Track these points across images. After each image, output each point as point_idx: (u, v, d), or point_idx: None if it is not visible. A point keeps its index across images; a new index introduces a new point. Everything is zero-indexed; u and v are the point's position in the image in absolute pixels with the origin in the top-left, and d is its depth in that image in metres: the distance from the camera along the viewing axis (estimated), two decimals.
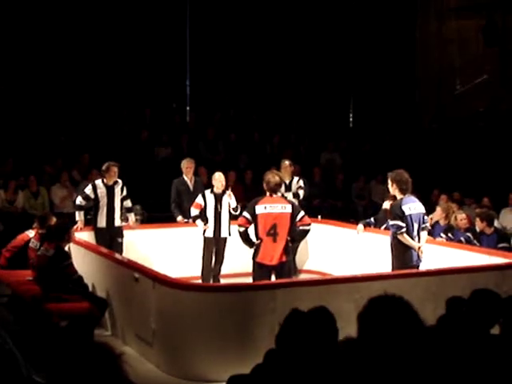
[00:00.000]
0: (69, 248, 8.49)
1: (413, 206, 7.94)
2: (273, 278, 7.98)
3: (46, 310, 7.67)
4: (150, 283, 7.17)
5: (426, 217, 8.22)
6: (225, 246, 9.99)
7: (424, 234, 8.08)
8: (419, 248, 7.91)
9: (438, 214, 10.55)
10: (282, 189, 9.42)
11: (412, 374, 2.96)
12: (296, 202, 9.56)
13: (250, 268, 8.23)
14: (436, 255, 8.63)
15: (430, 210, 9.80)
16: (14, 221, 11.78)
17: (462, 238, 9.77)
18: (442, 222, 10.46)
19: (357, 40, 17.93)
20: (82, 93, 15.58)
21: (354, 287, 6.95)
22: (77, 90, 15.56)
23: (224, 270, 10.09)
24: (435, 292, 7.10)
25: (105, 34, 15.94)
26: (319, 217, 11.55)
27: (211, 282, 9.88)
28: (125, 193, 10.13)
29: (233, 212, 9.86)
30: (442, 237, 10.05)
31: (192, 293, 7.05)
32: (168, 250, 10.38)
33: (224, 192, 9.96)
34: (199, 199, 9.91)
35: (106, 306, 7.99)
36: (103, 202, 9.93)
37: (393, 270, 7.94)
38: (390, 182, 8.08)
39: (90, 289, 8.28)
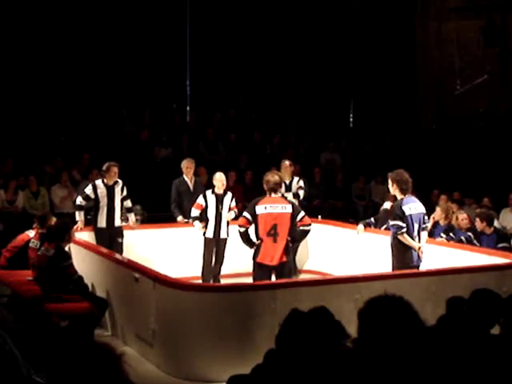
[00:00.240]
0: (69, 248, 8.48)
1: (413, 206, 7.94)
2: (273, 278, 7.98)
3: (46, 310, 7.67)
4: (150, 283, 7.17)
5: (426, 217, 8.22)
6: (225, 246, 9.99)
7: (424, 234, 8.09)
8: (419, 248, 7.92)
9: (437, 215, 10.55)
10: (282, 189, 9.43)
11: (412, 374, 2.96)
12: (296, 202, 9.56)
13: (250, 268, 8.23)
14: (436, 255, 8.63)
15: (430, 210, 9.80)
16: (14, 221, 11.78)
17: (463, 237, 9.77)
18: (442, 222, 10.46)
19: (357, 40, 17.93)
20: (82, 93, 15.58)
21: (354, 287, 6.95)
22: (77, 90, 15.56)
23: (224, 270, 10.09)
24: (435, 292, 7.10)
25: (105, 34, 15.94)
26: (319, 217, 11.57)
27: (211, 282, 9.88)
28: (125, 193, 10.13)
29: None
30: (442, 237, 10.05)
31: (192, 293, 7.05)
32: (168, 250, 10.38)
33: (225, 192, 9.97)
34: (200, 200, 9.91)
35: (106, 306, 7.99)
36: (103, 202, 9.93)
37: (393, 270, 7.94)
38: (390, 182, 8.08)
39: (90, 289, 8.28)
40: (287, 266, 8.07)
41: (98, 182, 10.05)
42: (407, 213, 7.84)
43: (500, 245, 9.61)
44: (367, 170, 15.58)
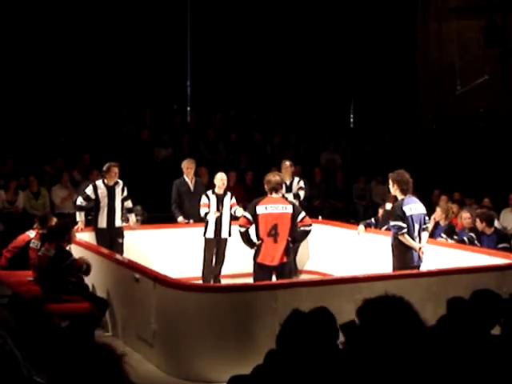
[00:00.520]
0: (69, 249, 8.48)
1: (414, 207, 7.94)
2: (273, 278, 7.98)
3: (46, 311, 7.67)
4: (150, 284, 7.17)
5: (426, 217, 8.22)
6: (225, 246, 9.99)
7: (425, 235, 8.08)
8: (420, 249, 7.91)
9: (438, 215, 10.55)
10: (283, 190, 9.43)
11: (413, 375, 2.96)
12: (297, 202, 9.56)
13: (250, 268, 8.23)
14: (437, 256, 8.63)
15: (430, 210, 9.79)
16: (14, 221, 11.78)
17: (465, 238, 9.76)
18: (443, 223, 10.46)
19: (357, 40, 17.93)
20: (82, 93, 15.57)
21: (354, 288, 6.94)
22: (77, 91, 15.56)
23: (225, 270, 10.09)
24: (436, 292, 7.10)
25: (105, 34, 15.94)
26: (320, 217, 11.57)
27: (212, 282, 9.89)
28: (125, 193, 10.13)
29: (233, 214, 9.87)
30: (442, 237, 10.05)
31: (193, 293, 7.05)
32: (169, 251, 10.37)
33: (225, 192, 9.97)
34: (204, 199, 9.89)
35: (107, 306, 7.99)
36: (104, 202, 9.93)
37: (394, 270, 7.94)
38: (391, 182, 8.08)
39: (91, 289, 8.29)
40: (288, 267, 8.07)
41: (99, 183, 10.05)
42: (408, 213, 7.83)
43: (500, 245, 9.60)
44: (368, 170, 15.57)
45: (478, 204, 12.28)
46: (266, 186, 8.16)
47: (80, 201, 10.05)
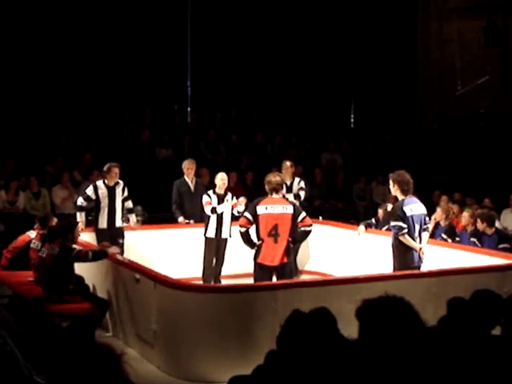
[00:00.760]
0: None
1: (414, 207, 7.93)
2: (274, 278, 7.98)
3: (47, 311, 7.67)
4: (151, 284, 7.17)
5: (427, 218, 8.21)
6: (226, 246, 9.99)
7: (425, 235, 8.08)
8: (420, 249, 7.91)
9: (438, 215, 10.55)
10: (284, 190, 9.43)
11: (413, 375, 2.96)
12: (297, 203, 9.56)
13: (251, 269, 8.23)
14: (437, 256, 8.63)
15: (430, 210, 9.79)
16: (15, 221, 11.79)
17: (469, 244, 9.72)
18: (443, 223, 10.45)
19: (358, 40, 17.93)
20: (83, 93, 15.59)
21: (355, 288, 6.94)
22: (78, 91, 15.57)
23: (225, 270, 10.09)
24: (436, 293, 7.10)
25: (106, 35, 15.95)
26: (320, 218, 11.56)
27: (212, 282, 9.88)
28: (126, 194, 10.13)
29: (235, 213, 9.87)
30: (442, 237, 10.04)
31: (193, 293, 7.05)
32: (169, 251, 10.37)
33: (226, 192, 9.97)
34: (206, 198, 9.87)
35: (107, 306, 7.98)
36: (104, 202, 9.93)
37: (394, 270, 7.94)
38: (391, 182, 8.07)
39: (91, 290, 8.29)
40: (288, 267, 8.07)
41: (99, 183, 10.05)
42: (408, 214, 7.83)
43: (501, 245, 9.59)
44: (368, 170, 15.57)
45: (479, 204, 12.27)
46: (266, 187, 8.16)
47: (80, 201, 10.05)
